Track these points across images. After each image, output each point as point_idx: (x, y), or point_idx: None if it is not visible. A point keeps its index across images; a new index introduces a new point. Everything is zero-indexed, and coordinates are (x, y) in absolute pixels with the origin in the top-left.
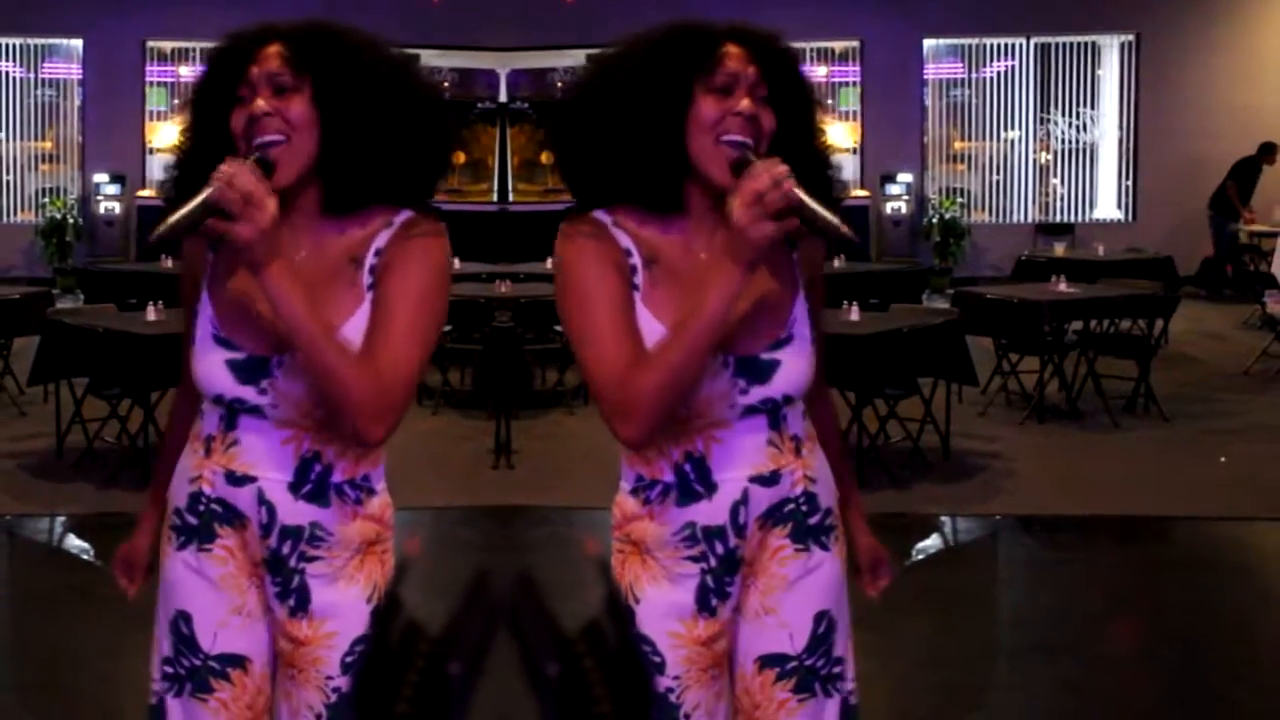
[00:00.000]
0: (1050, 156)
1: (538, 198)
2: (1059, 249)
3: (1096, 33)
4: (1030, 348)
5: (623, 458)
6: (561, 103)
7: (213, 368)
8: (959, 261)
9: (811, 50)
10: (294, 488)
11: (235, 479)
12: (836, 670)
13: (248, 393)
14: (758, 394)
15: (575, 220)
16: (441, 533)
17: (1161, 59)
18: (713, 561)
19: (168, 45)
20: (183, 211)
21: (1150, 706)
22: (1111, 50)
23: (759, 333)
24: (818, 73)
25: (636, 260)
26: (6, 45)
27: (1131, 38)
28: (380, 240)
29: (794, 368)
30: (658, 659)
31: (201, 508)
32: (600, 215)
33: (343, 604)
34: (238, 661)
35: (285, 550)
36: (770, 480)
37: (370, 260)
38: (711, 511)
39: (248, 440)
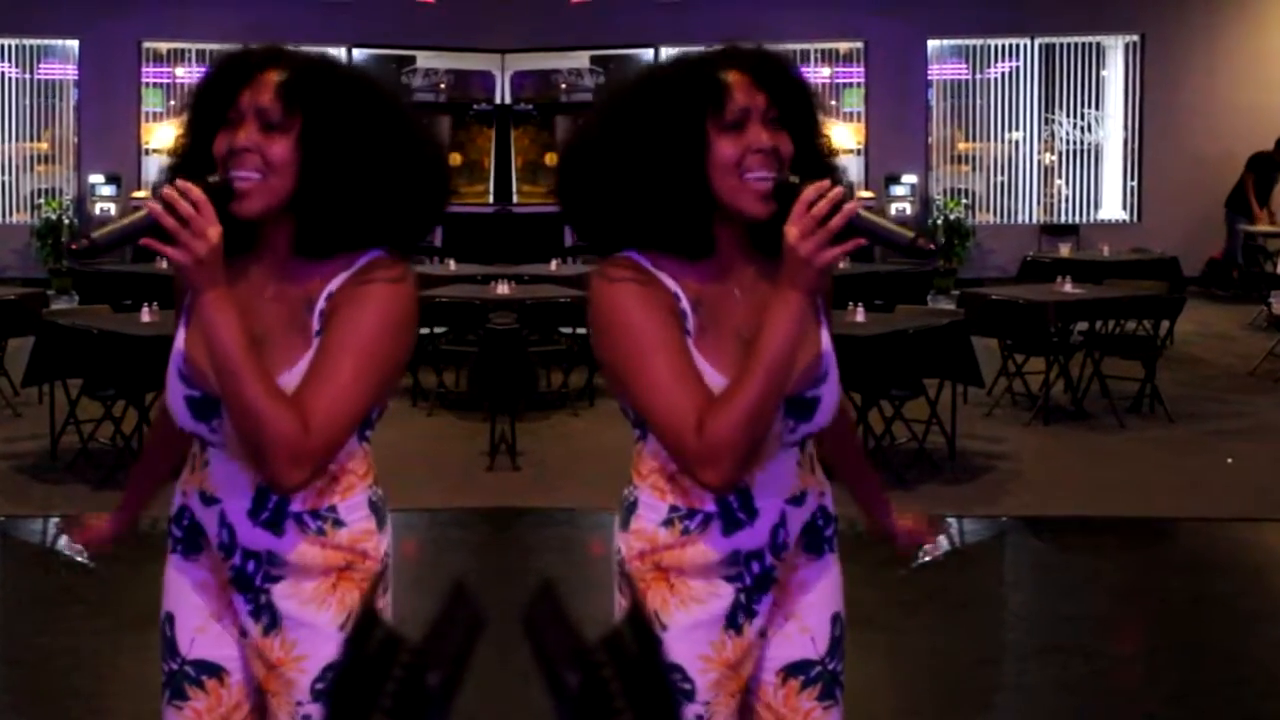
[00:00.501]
0: (1055, 157)
1: (541, 199)
2: (1064, 250)
3: (1101, 33)
4: (1036, 348)
5: (645, 488)
6: (570, 152)
7: (175, 401)
8: (964, 262)
9: (815, 51)
10: (252, 514)
11: (206, 499)
12: (843, 678)
13: (202, 429)
14: (802, 431)
15: (613, 264)
16: (435, 534)
17: (1166, 59)
18: (748, 580)
19: (164, 46)
20: (119, 224)
21: (1157, 708)
22: (1116, 51)
23: (805, 373)
24: (821, 74)
25: (686, 305)
26: (2, 46)
27: (1136, 38)
28: (334, 283)
29: (830, 402)
30: (688, 685)
31: (186, 521)
32: (637, 257)
33: (314, 627)
34: (214, 670)
35: (250, 569)
36: (799, 500)
37: (321, 304)
38: (753, 537)
39: (214, 464)
